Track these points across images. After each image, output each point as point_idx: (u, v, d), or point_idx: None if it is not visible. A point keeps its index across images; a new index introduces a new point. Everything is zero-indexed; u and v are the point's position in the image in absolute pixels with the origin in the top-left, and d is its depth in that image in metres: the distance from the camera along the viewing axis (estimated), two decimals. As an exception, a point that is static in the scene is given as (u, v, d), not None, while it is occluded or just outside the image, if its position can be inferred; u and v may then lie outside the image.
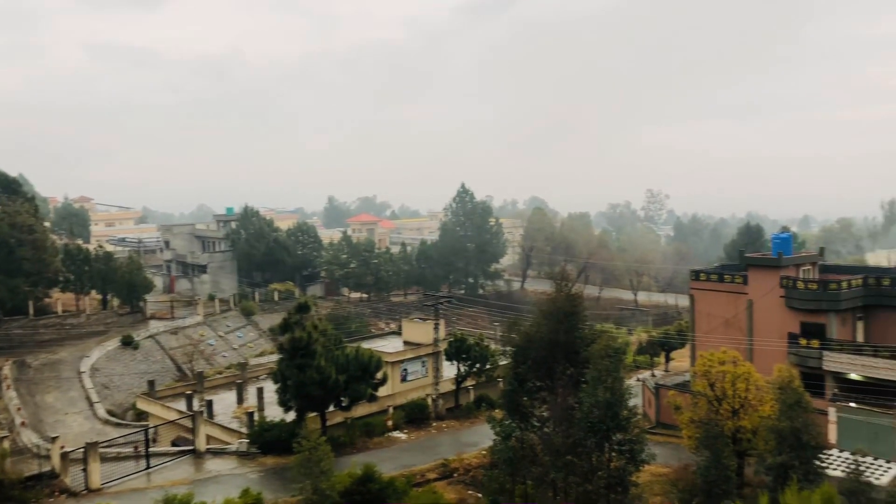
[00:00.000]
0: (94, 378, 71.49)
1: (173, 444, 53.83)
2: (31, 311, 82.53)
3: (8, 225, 77.47)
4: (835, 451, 43.79)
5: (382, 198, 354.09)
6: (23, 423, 57.85)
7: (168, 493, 35.06)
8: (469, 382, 62.50)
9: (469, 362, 60.65)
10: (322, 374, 47.48)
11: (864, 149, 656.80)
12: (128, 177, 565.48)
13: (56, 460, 42.18)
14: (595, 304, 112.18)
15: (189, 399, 58.40)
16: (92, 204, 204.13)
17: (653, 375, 68.80)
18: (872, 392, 46.22)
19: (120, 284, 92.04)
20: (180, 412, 55.57)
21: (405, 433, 54.81)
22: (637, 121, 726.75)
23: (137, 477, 43.73)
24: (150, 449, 48.00)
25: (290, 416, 49.83)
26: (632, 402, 37.65)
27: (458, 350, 60.27)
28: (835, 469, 39.27)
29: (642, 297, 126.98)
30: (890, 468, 41.91)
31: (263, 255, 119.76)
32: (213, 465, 46.32)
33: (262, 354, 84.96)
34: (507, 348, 50.03)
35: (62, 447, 43.26)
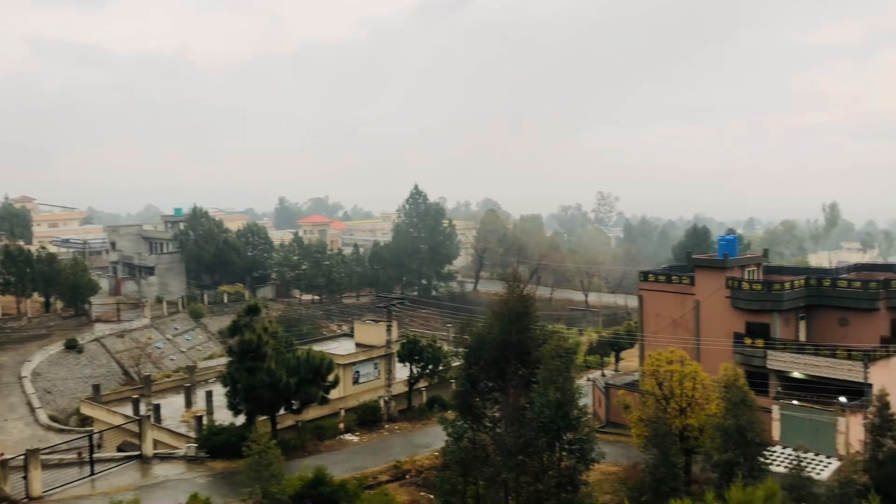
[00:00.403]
0: (35, 383, 69.51)
1: (119, 449, 52.62)
2: (-31, 314, 79.94)
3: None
4: (778, 448, 44.98)
5: (335, 199, 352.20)
6: (-40, 431, 55.95)
7: (113, 500, 34.28)
8: (422, 384, 62.44)
9: (422, 364, 60.57)
10: (272, 377, 46.91)
11: (807, 153, 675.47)
12: (73, 176, 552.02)
13: (-5, 468, 40.85)
14: (547, 305, 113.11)
15: (136, 403, 57.17)
16: (34, 204, 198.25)
17: (603, 375, 69.69)
18: (814, 389, 47.53)
19: (64, 286, 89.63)
20: (126, 417, 54.36)
21: (357, 435, 54.47)
22: (587, 123, 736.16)
23: (81, 484, 42.58)
24: (95, 455, 46.74)
25: (240, 420, 49.12)
26: (582, 402, 38.03)
27: (410, 352, 60.14)
28: (778, 465, 40.33)
29: (593, 297, 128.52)
30: (830, 463, 43.23)
31: (213, 257, 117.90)
32: (161, 471, 45.40)
33: (211, 357, 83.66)
34: (460, 349, 50.13)
35: (1, 454, 41.94)
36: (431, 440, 50.81)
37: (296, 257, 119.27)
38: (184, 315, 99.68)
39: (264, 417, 49.56)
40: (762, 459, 37.15)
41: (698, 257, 59.96)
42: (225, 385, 48.92)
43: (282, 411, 50.35)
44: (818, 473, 41.33)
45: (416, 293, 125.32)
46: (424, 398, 62.48)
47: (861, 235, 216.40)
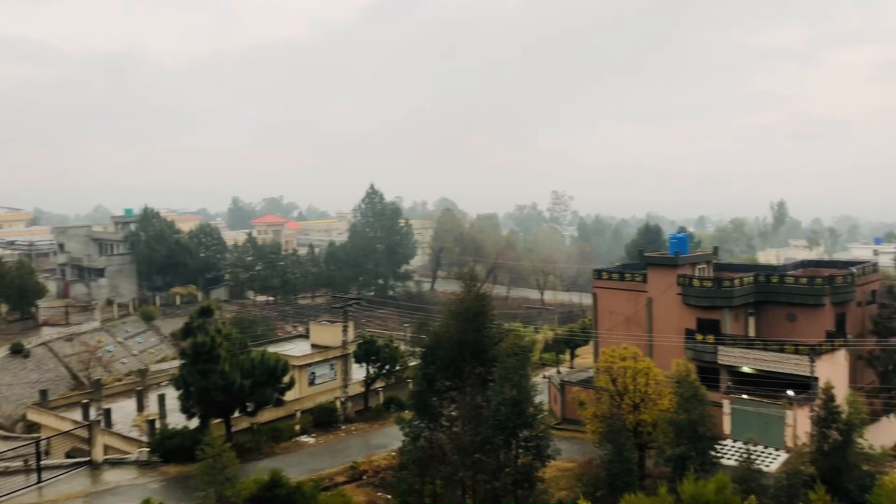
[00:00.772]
0: (-21, 389, 67.58)
1: (68, 455, 51.36)
2: None
3: None
4: (729, 441, 45.92)
5: (289, 198, 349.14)
6: None
7: (62, 508, 33.47)
8: (379, 384, 62.28)
9: (378, 364, 60.41)
10: (226, 380, 46.36)
11: (755, 152, 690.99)
12: (18, 177, 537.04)
13: (-63, 478, 39.60)
14: (503, 304, 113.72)
15: (85, 408, 55.93)
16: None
17: (558, 372, 70.32)
18: (763, 384, 48.62)
19: (9, 290, 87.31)
20: (75, 422, 53.12)
21: (313, 437, 54.12)
22: (542, 123, 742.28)
23: (28, 492, 41.47)
24: (42, 462, 45.58)
25: (194, 423, 48.42)
26: (538, 399, 38.35)
27: (367, 352, 59.95)
28: (729, 458, 41.13)
29: (548, 295, 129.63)
30: (779, 455, 44.28)
31: (165, 258, 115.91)
32: (112, 477, 44.48)
33: (163, 360, 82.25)
34: (417, 349, 50.12)
35: (-56, 463, 40.69)
36: (388, 440, 50.72)
37: (250, 258, 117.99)
38: (135, 318, 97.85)
39: (218, 420, 48.93)
40: (713, 453, 37.89)
41: (650, 255, 60.82)
42: (178, 388, 48.17)
43: (236, 414, 49.79)
44: (767, 466, 42.30)
45: (372, 293, 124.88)
46: (381, 398, 62.31)
47: (807, 233, 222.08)
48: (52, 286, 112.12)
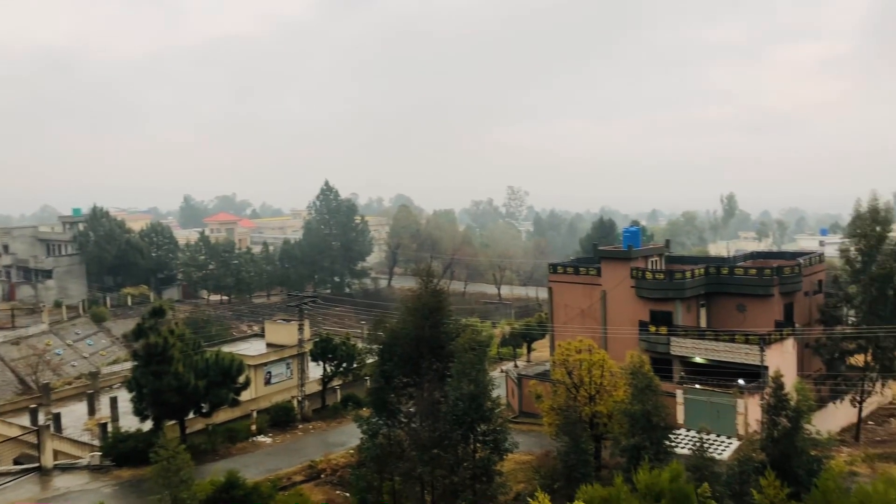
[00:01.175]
0: (-79, 396, 65.37)
1: (16, 462, 50.09)
2: None
3: None
4: (682, 431, 46.73)
5: (242, 196, 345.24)
6: None
7: (10, 516, 32.65)
8: (336, 382, 62.02)
9: (335, 362, 60.15)
10: (180, 381, 45.70)
11: (706, 146, 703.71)
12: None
13: None
14: (460, 299, 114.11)
15: (34, 413, 54.46)
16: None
17: (516, 366, 70.78)
18: (715, 373, 49.58)
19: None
20: (23, 428, 51.72)
21: (270, 437, 53.65)
22: (497, 119, 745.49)
23: (-26, 500, 40.41)
24: (-11, 469, 44.48)
25: (147, 426, 47.68)
26: (496, 394, 38.59)
27: (323, 350, 59.63)
28: (682, 447, 41.83)
29: (505, 290, 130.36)
30: (731, 443, 45.23)
31: (115, 258, 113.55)
32: (62, 482, 43.50)
33: (115, 362, 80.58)
34: (374, 346, 50.03)
35: None
36: (346, 438, 50.53)
37: (202, 257, 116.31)
38: (85, 319, 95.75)
39: (173, 422, 48.24)
40: (667, 442, 38.53)
41: (604, 249, 61.56)
42: (130, 390, 47.35)
43: (191, 415, 49.16)
44: (720, 454, 43.15)
45: (328, 291, 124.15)
46: (339, 396, 62.06)
47: (756, 225, 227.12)
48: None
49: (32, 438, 48.01)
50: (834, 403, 51.51)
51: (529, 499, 31.58)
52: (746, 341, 49.01)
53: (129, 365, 57.69)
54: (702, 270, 55.14)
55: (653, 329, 53.13)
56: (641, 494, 32.18)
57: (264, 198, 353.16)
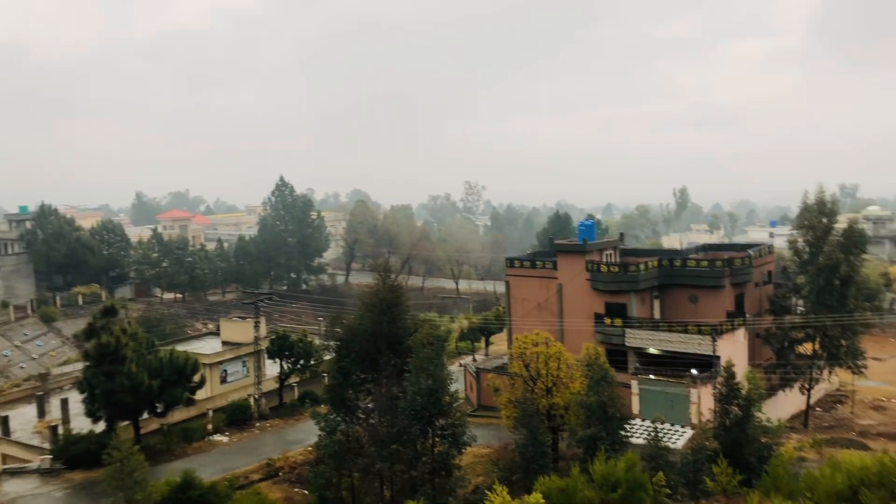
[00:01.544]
0: None
1: (-38, 467, 48.74)
2: None
3: None
4: (638, 421, 47.45)
5: (196, 192, 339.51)
6: None
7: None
8: (293, 379, 61.57)
9: (292, 359, 59.70)
10: (133, 381, 44.97)
11: (659, 141, 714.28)
12: None
13: None
14: (419, 294, 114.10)
15: (-20, 417, 53.12)
16: None
17: (474, 360, 71.06)
18: (669, 364, 50.44)
19: None
20: (-30, 432, 50.40)
21: (227, 436, 53.11)
22: (454, 114, 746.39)
23: (-82, 508, 39.24)
24: (-66, 476, 43.20)
25: (100, 427, 46.83)
26: (454, 388, 38.75)
27: (280, 347, 59.14)
28: (638, 437, 42.52)
29: (463, 285, 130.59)
30: (685, 432, 46.07)
31: (64, 257, 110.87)
32: (11, 487, 42.47)
33: (66, 363, 78.88)
34: (331, 343, 49.76)
35: None
36: (304, 436, 50.27)
37: (155, 255, 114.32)
38: (34, 319, 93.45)
39: (126, 423, 47.49)
40: (623, 433, 39.12)
41: (560, 242, 62.06)
42: (82, 391, 46.48)
43: (145, 415, 48.49)
44: (674, 443, 43.95)
45: (285, 287, 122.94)
46: (296, 394, 61.65)
47: (708, 218, 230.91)
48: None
49: (-21, 443, 46.81)
50: (783, 391, 52.78)
51: (488, 492, 31.79)
52: (699, 332, 49.93)
53: (80, 366, 56.51)
54: (655, 263, 55.95)
55: (608, 321, 53.80)
56: (598, 484, 32.64)
57: (218, 194, 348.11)
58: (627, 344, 52.75)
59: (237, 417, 55.56)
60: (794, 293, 55.15)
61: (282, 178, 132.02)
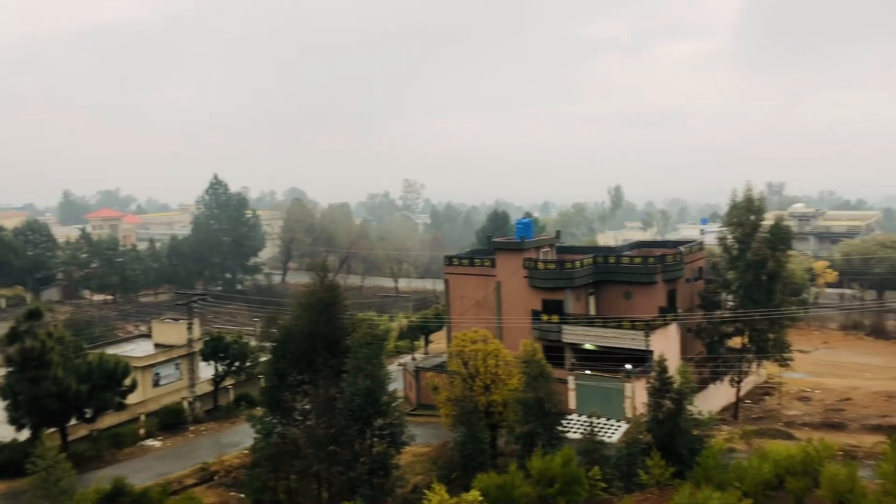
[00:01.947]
0: None
1: None
2: None
3: None
4: (574, 416, 48.17)
5: (127, 191, 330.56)
6: None
7: None
8: (228, 382, 60.57)
9: (227, 361, 58.74)
10: (60, 386, 43.56)
11: (594, 140, 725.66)
12: None
13: None
14: (357, 293, 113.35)
15: None
16: None
17: (413, 359, 70.97)
18: (604, 359, 51.29)
19: None
20: None
21: (160, 440, 51.93)
22: (392, 112, 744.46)
23: None
24: None
25: (25, 435, 45.14)
26: (393, 387, 38.64)
27: (215, 349, 58.10)
28: (574, 432, 43.14)
29: (403, 283, 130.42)
30: (620, 426, 46.94)
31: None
32: (-72, 500, 40.60)
33: (-13, 369, 75.73)
34: (267, 344, 49.11)
35: None
36: (240, 438, 49.48)
37: (84, 255, 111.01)
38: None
39: (53, 430, 45.91)
40: (560, 428, 39.65)
41: (498, 241, 62.47)
42: (4, 398, 44.87)
43: (73, 421, 47.04)
44: (609, 437, 44.72)
45: (219, 288, 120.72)
46: (232, 396, 60.69)
47: (642, 215, 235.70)
48: None
49: None
50: (714, 384, 54.23)
51: (426, 490, 31.84)
52: (633, 327, 50.88)
53: (2, 371, 54.30)
54: (590, 260, 56.82)
55: (545, 318, 54.39)
56: (535, 480, 33.06)
57: (150, 192, 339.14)
58: (564, 340, 53.42)
59: (170, 421, 54.35)
60: (723, 289, 56.66)
61: (216, 177, 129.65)
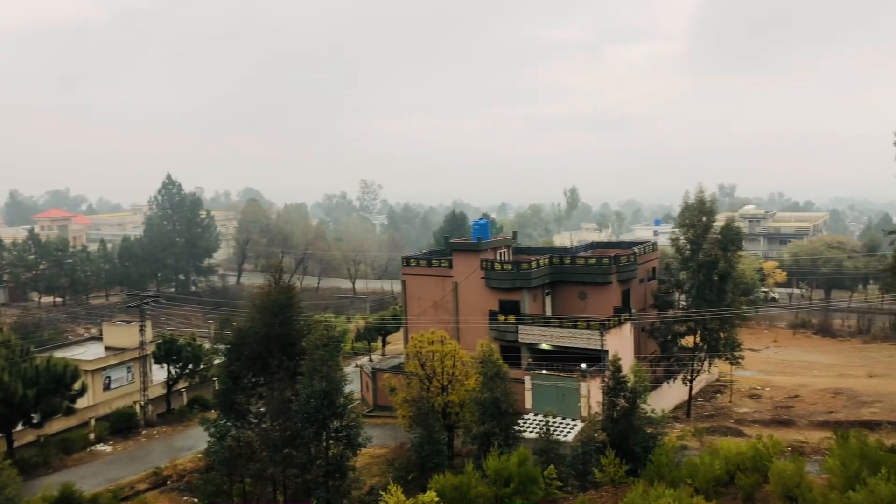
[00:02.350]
0: None
1: None
2: None
3: None
4: (531, 415, 48.44)
5: (77, 191, 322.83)
6: None
7: None
8: (182, 385, 59.66)
9: (181, 364, 57.87)
10: (5, 391, 42.53)
11: (550, 142, 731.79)
12: None
13: None
14: (314, 295, 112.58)
15: None
16: None
17: (370, 360, 70.78)
18: (560, 359, 51.70)
19: None
20: None
21: (111, 445, 50.93)
22: (349, 113, 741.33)
23: None
24: None
25: (-32, 442, 43.86)
26: (349, 389, 38.49)
27: (167, 352, 57.19)
28: (530, 431, 43.42)
29: (360, 284, 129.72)
30: (575, 425, 47.36)
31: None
32: None
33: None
34: (221, 346, 48.52)
35: None
36: (194, 442, 48.79)
37: (32, 256, 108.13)
38: None
39: (-2, 436, 44.69)
40: (516, 428, 39.90)
41: (455, 241, 62.59)
42: (-54, 404, 43.32)
43: (20, 427, 45.88)
44: (565, 436, 45.08)
45: (173, 290, 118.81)
46: (185, 399, 59.79)
47: (597, 216, 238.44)
48: None
49: None
50: (668, 383, 55.10)
51: (382, 492, 31.79)
52: (588, 327, 51.40)
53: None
54: (546, 261, 57.26)
55: (502, 318, 54.65)
56: (491, 480, 33.22)
57: (102, 192, 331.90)
58: (521, 340, 53.73)
59: (122, 425, 53.34)
60: (676, 288, 57.61)
61: (169, 176, 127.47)
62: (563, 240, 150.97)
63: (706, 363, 55.56)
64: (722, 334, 53.27)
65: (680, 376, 55.13)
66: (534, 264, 55.49)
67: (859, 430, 40.25)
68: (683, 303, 57.19)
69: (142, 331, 57.36)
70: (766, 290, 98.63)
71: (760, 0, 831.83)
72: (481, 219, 74.70)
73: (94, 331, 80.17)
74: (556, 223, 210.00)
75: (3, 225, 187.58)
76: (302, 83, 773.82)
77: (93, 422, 52.05)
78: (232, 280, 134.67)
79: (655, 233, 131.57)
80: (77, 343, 66.70)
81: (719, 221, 55.79)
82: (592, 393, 47.47)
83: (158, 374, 58.97)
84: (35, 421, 46.25)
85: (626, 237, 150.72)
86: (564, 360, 51.37)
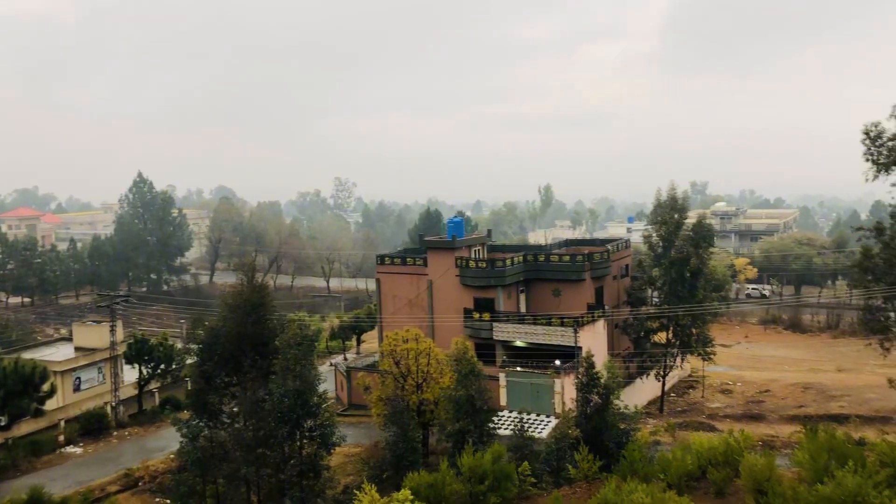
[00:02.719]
0: None
1: None
2: None
3: None
4: (505, 412, 48.59)
5: (46, 189, 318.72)
6: None
7: None
8: (154, 385, 59.08)
9: (152, 364, 57.26)
10: (-28, 393, 41.64)
11: (526, 140, 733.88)
12: None
13: None
14: (288, 293, 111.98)
15: None
16: None
17: (345, 359, 70.50)
18: (534, 356, 51.93)
19: None
20: None
21: (81, 447, 50.24)
22: (323, 112, 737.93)
23: None
24: None
25: (-67, 445, 43.06)
26: (323, 388, 38.27)
27: (139, 352, 56.57)
28: (505, 428, 43.55)
29: (334, 283, 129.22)
30: (549, 422, 47.57)
31: None
32: None
33: None
34: (193, 346, 48.06)
35: None
36: (166, 443, 48.28)
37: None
38: None
39: (-36, 439, 43.91)
40: (491, 425, 39.99)
41: (430, 239, 62.54)
42: (-90, 407, 42.51)
43: (-14, 430, 44.96)
44: (539, 432, 45.27)
45: (144, 289, 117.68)
46: (157, 400, 59.18)
47: (571, 214, 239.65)
48: None
49: None
50: (641, 379, 55.54)
51: (357, 491, 31.67)
52: (562, 324, 51.60)
53: None
54: (521, 258, 57.42)
55: (476, 315, 54.71)
56: (466, 477, 33.25)
57: (72, 191, 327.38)
58: (495, 337, 53.86)
59: (92, 427, 52.61)
60: (649, 285, 58.06)
61: (140, 174, 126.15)
62: (537, 237, 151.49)
63: (678, 359, 56.05)
64: (694, 330, 53.82)
65: (653, 372, 55.58)
66: (508, 262, 55.62)
67: (828, 423, 40.99)
68: (656, 299, 57.62)
69: (112, 331, 56.66)
70: (755, 287, 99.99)
71: (732, 0, 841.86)
72: (456, 216, 74.66)
73: (63, 331, 79.07)
74: (531, 221, 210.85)
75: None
76: (278, 82, 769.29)
77: (62, 423, 51.31)
78: (204, 279, 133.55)
79: (629, 230, 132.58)
80: (46, 344, 65.74)
81: (691, 218, 56.31)
82: (566, 389, 47.70)
83: (130, 374, 58.30)
84: (2, 423, 45.57)
85: (599, 234, 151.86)
86: (539, 357, 51.59)
